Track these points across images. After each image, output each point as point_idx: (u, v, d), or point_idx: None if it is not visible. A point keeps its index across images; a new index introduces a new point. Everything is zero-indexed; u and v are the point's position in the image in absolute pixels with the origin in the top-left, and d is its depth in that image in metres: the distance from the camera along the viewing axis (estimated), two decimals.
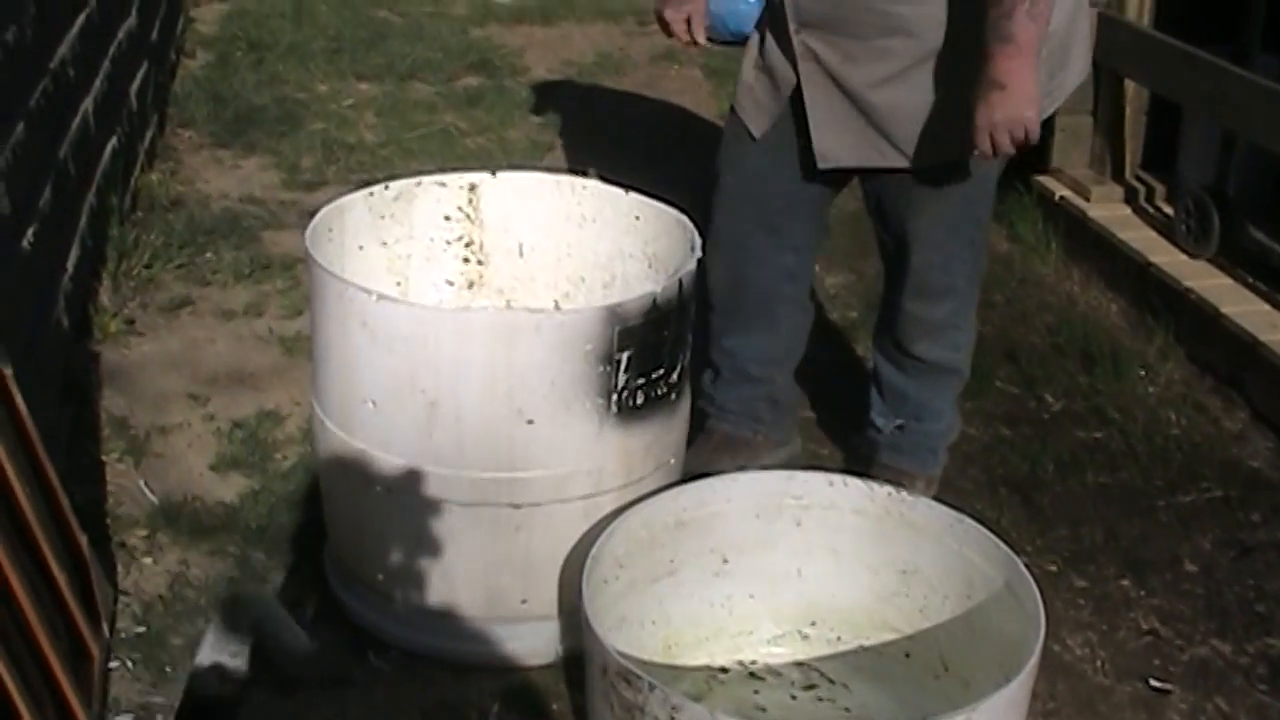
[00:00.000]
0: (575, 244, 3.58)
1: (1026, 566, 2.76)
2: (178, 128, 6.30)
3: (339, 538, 3.34)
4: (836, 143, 3.40)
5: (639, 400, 3.02)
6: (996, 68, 3.06)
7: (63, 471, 3.18)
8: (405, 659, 3.19)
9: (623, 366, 2.94)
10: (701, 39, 3.53)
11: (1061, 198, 5.31)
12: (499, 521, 3.04)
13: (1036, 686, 2.73)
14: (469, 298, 3.63)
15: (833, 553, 3.06)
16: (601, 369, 2.92)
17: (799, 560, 3.08)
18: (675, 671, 3.02)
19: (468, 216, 3.57)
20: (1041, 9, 3.04)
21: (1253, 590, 3.55)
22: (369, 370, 3.00)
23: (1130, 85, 5.20)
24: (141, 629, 3.24)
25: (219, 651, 1.82)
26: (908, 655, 3.04)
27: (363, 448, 3.06)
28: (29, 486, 2.83)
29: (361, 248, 3.41)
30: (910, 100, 3.28)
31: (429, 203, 3.53)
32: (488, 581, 3.13)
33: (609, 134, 6.40)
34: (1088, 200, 5.25)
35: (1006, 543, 2.84)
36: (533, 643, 3.18)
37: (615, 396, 2.97)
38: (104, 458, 3.82)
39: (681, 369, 3.14)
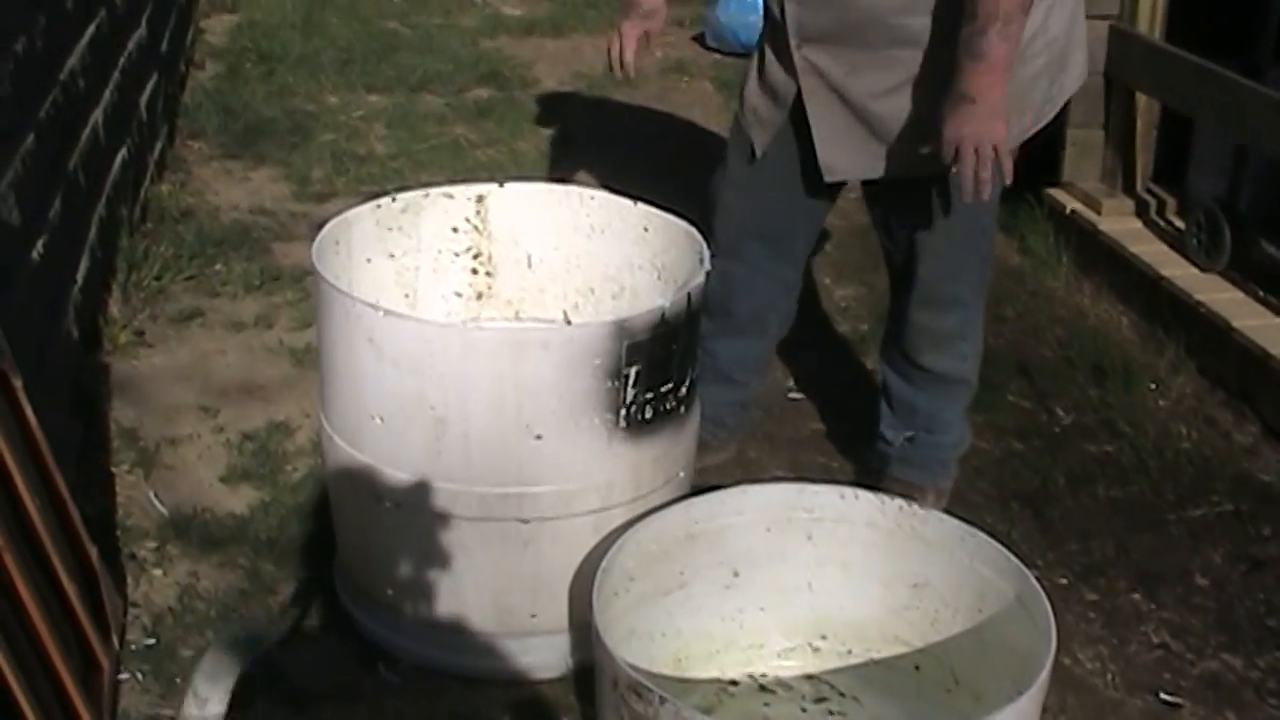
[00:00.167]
0: (584, 255, 3.57)
1: (1037, 580, 2.75)
2: (188, 139, 6.31)
3: (348, 552, 3.34)
4: (841, 156, 3.40)
5: (648, 414, 3.01)
6: (967, 82, 3.08)
7: (72, 483, 3.18)
8: (415, 673, 3.18)
9: (631, 381, 2.94)
10: (632, 72, 3.57)
11: (1073, 211, 5.30)
12: (508, 536, 3.03)
13: (1047, 700, 2.72)
14: (477, 309, 3.63)
15: (843, 566, 3.06)
16: (610, 384, 2.92)
17: (810, 573, 3.08)
18: (686, 685, 3.02)
19: (476, 228, 3.56)
20: (1014, 30, 3.06)
21: (1263, 604, 3.54)
22: (376, 386, 2.99)
23: (1141, 98, 5.20)
24: (151, 641, 3.24)
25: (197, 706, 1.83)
26: (918, 668, 3.03)
27: (371, 463, 3.06)
28: (39, 498, 2.83)
29: (369, 260, 3.41)
30: (912, 110, 3.29)
31: (437, 215, 3.53)
32: (497, 596, 3.13)
33: (619, 146, 6.40)
34: (1099, 213, 5.24)
35: (1017, 556, 2.83)
36: (543, 656, 3.18)
37: (624, 411, 2.96)
38: (114, 469, 3.82)
39: (690, 382, 3.13)
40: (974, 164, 3.10)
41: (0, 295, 3.18)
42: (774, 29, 3.42)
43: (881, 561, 3.02)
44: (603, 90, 7.22)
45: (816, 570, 3.07)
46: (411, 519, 3.04)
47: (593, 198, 3.55)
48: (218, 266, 5.05)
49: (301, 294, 4.82)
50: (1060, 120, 5.31)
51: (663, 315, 2.95)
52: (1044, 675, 2.49)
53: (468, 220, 3.56)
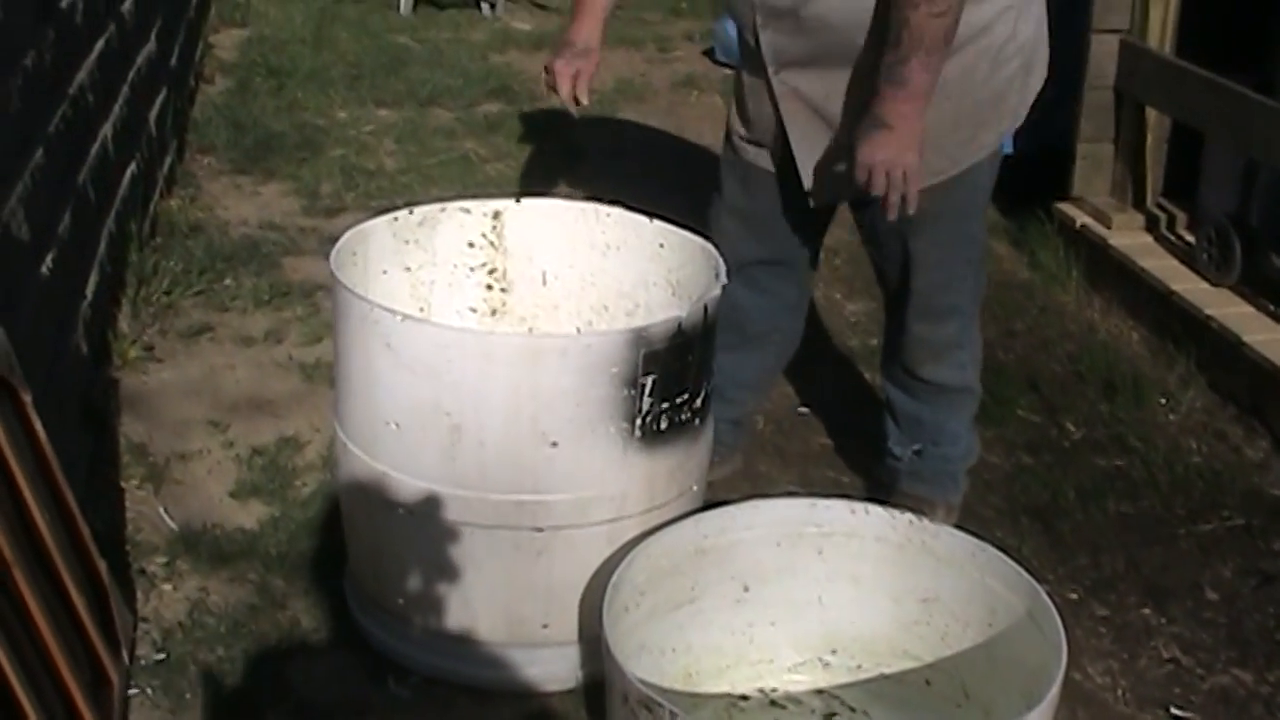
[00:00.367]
0: (599, 272, 3.57)
1: (1048, 595, 2.75)
2: (197, 153, 6.32)
3: (359, 561, 3.33)
4: (825, 179, 3.40)
5: (663, 425, 3.01)
6: (886, 109, 3.09)
7: (82, 498, 3.18)
8: (425, 685, 3.18)
9: (647, 390, 2.94)
10: (585, 100, 3.47)
11: (1083, 225, 5.30)
12: (521, 545, 3.03)
13: (1058, 715, 2.71)
14: (491, 325, 3.63)
15: (854, 581, 3.06)
16: (626, 393, 2.92)
17: (820, 588, 3.07)
18: (696, 699, 3.01)
19: (491, 244, 3.56)
20: (935, 61, 3.07)
21: (1274, 619, 3.53)
22: (392, 392, 2.99)
23: (1152, 113, 5.20)
24: (161, 656, 3.23)
25: None
26: (929, 683, 3.02)
27: (385, 470, 3.06)
28: (48, 513, 2.83)
29: (385, 272, 3.41)
30: None
31: (453, 229, 3.53)
32: (509, 606, 3.12)
33: (629, 160, 6.41)
34: (1109, 228, 5.23)
35: (1028, 571, 2.83)
36: (553, 668, 3.17)
37: (639, 421, 2.96)
38: (123, 484, 3.82)
39: (705, 394, 3.13)
40: (885, 188, 3.11)
41: (10, 310, 3.18)
42: (749, 56, 3.42)
43: (892, 576, 3.02)
44: (612, 105, 7.23)
45: (827, 585, 3.07)
46: (425, 526, 3.04)
47: (608, 214, 3.55)
48: (227, 281, 5.05)
49: (311, 309, 4.82)
50: (1070, 134, 5.34)
51: (679, 325, 2.95)
52: (1054, 690, 2.49)
53: (484, 235, 3.56)
